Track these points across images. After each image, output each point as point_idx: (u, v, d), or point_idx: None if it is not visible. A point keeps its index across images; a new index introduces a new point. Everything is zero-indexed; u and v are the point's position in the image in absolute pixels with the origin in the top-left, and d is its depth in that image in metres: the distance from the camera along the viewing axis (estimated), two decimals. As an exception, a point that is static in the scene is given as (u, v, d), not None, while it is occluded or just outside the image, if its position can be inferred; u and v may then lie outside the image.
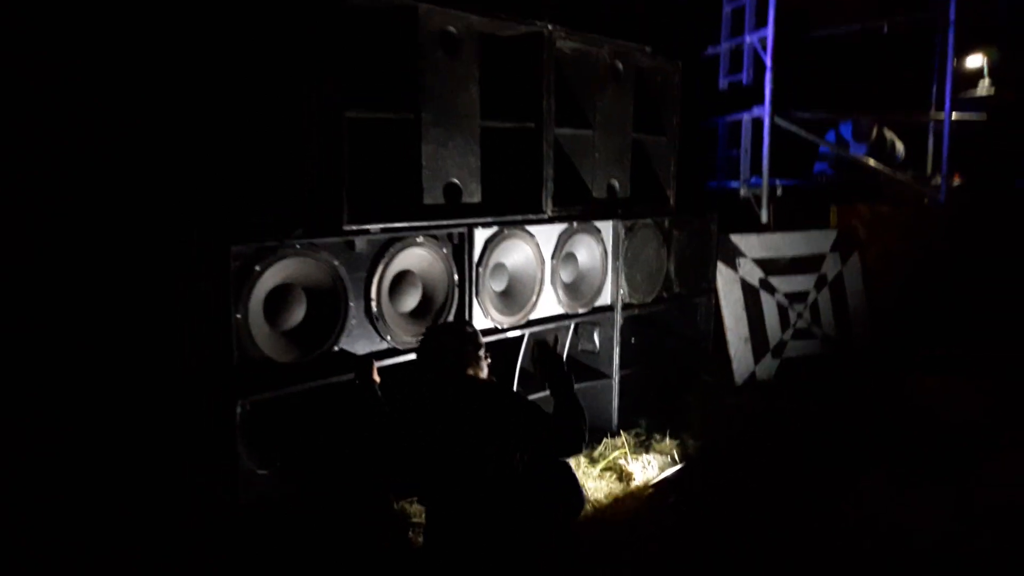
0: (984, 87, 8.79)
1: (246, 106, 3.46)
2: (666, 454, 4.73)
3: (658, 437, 4.97)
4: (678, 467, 4.52)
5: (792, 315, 6.52)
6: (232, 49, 3.46)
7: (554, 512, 2.78)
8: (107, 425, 3.43)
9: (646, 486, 4.29)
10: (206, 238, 3.03)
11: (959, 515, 3.87)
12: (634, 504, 4.10)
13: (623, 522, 3.91)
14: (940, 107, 7.54)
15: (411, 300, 3.92)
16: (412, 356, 3.74)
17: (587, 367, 5.17)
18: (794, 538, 3.69)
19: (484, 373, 3.03)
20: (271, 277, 3.17)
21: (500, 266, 4.38)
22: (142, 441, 3.38)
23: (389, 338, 3.69)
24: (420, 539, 3.40)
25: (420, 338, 3.24)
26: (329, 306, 3.43)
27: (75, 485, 3.34)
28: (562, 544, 2.87)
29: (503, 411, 2.79)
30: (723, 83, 7.67)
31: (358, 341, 3.58)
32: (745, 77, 7.28)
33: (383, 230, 3.57)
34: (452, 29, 3.79)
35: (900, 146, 8.20)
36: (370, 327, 3.62)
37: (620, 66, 4.95)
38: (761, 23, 6.79)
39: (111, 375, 3.44)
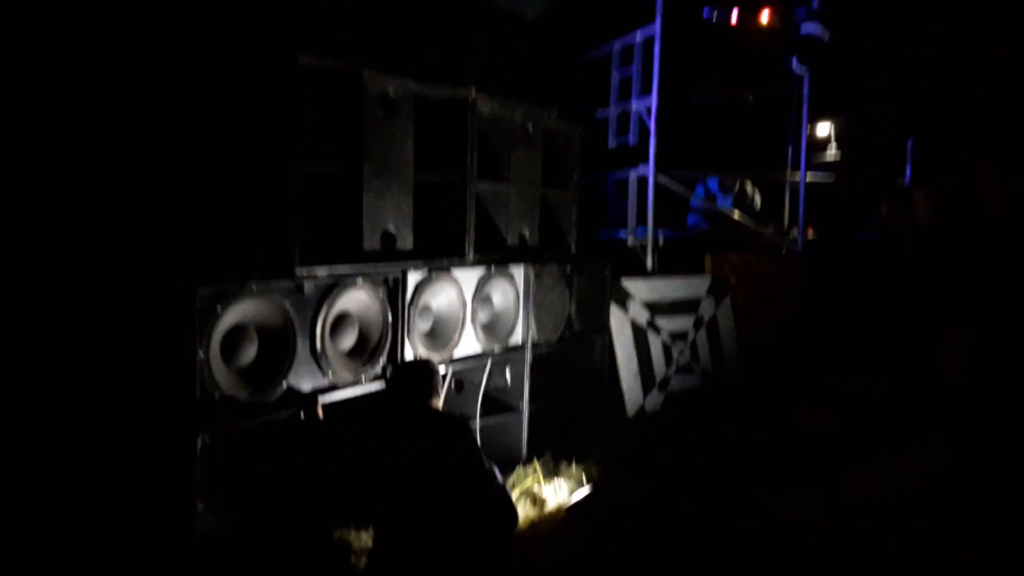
0: (832, 152, 9.85)
1: (209, 156, 3.60)
2: (574, 479, 5.06)
3: (565, 464, 5.30)
4: (586, 491, 4.86)
5: (675, 353, 7.06)
6: (196, 106, 3.59)
7: (495, 528, 3.04)
8: (73, 455, 3.42)
9: (559, 509, 4.60)
10: (173, 278, 3.14)
11: (828, 509, 4.43)
12: (549, 526, 4.40)
13: (542, 543, 4.20)
14: (796, 168, 8.41)
15: (349, 339, 4.10)
16: (350, 392, 3.95)
17: (499, 402, 5.44)
18: (698, 546, 4.09)
19: (440, 403, 3.29)
20: (230, 317, 3.30)
21: (427, 308, 4.63)
22: (104, 473, 3.39)
23: (331, 375, 3.86)
24: (362, 563, 3.58)
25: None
26: (279, 345, 3.58)
27: (39, 512, 3.31)
28: (500, 558, 3.13)
29: (460, 440, 3.05)
30: (612, 143, 8.26)
31: (303, 378, 3.73)
32: (632, 138, 7.88)
33: (328, 274, 3.76)
34: (391, 92, 4.07)
35: (758, 198, 9.07)
36: (314, 365, 3.78)
37: (530, 127, 5.34)
38: (646, 91, 7.42)
39: (77, 408, 3.43)
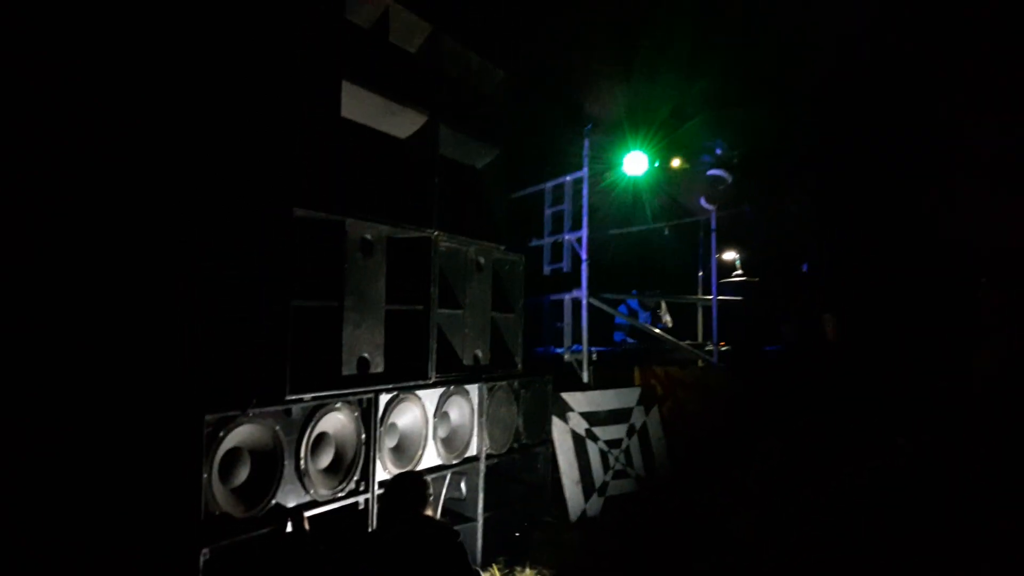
0: (737, 275, 10.69)
1: (215, 292, 3.87)
2: (529, 582, 5.24)
3: (519, 569, 5.48)
4: (541, 593, 5.05)
5: (611, 459, 7.39)
6: (208, 252, 3.90)
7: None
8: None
9: (519, 610, 4.77)
10: (182, 407, 3.35)
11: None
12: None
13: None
14: (708, 291, 9.13)
15: (327, 458, 4.30)
16: (330, 506, 4.14)
17: (455, 512, 5.63)
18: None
19: (431, 511, 3.53)
20: (229, 441, 3.51)
21: (394, 425, 4.87)
22: None
23: (312, 491, 4.05)
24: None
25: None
26: (269, 465, 3.77)
27: None
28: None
29: (448, 544, 3.31)
30: (546, 269, 8.84)
31: (288, 494, 3.91)
32: (565, 265, 8.47)
33: (313, 398, 4.01)
34: (368, 236, 4.47)
35: (667, 317, 9.77)
36: (298, 482, 3.97)
37: (482, 260, 5.81)
38: (576, 226, 8.07)
39: (90, 528, 3.51)
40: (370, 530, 4.18)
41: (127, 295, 3.80)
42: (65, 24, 3.90)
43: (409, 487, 3.57)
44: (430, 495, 3.65)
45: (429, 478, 3.85)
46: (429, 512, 3.59)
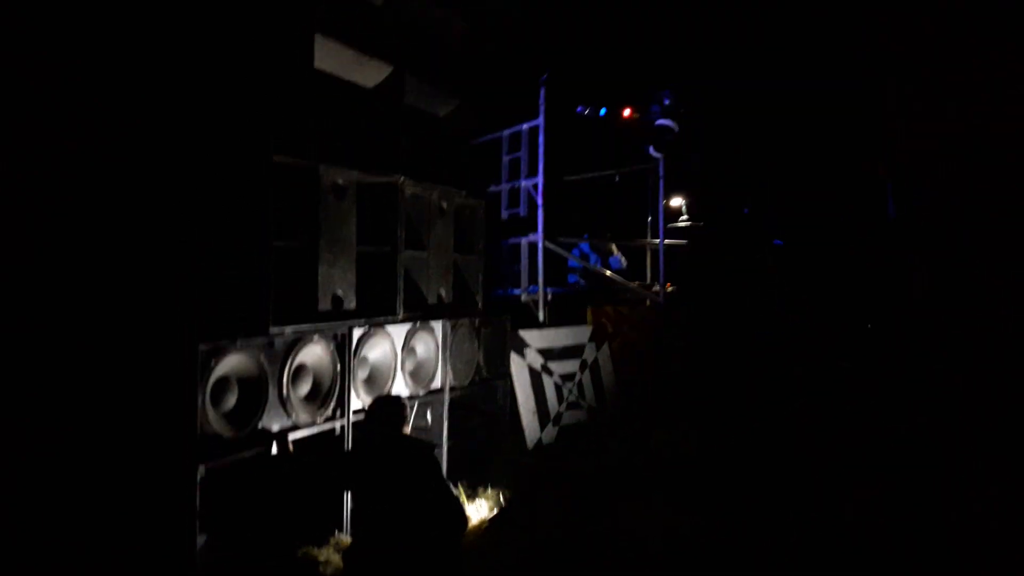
0: (684, 220, 11.14)
1: (202, 236, 4.10)
2: (491, 500, 5.69)
3: (481, 490, 5.92)
4: (502, 507, 5.51)
5: (565, 391, 7.86)
6: (195, 196, 4.11)
7: (453, 526, 3.66)
8: (86, 488, 3.75)
9: (483, 522, 5.22)
10: (180, 335, 3.62)
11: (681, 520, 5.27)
12: (477, 536, 5.01)
13: (475, 550, 4.80)
14: (655, 235, 9.55)
15: (306, 387, 4.61)
16: (309, 431, 4.48)
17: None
18: (582, 546, 4.84)
19: (408, 429, 3.90)
20: (220, 369, 3.80)
21: (365, 359, 5.19)
22: (115, 500, 3.74)
23: (294, 416, 4.37)
24: (330, 571, 4.09)
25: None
26: (254, 392, 4.08)
27: (47, 534, 3.62)
28: (455, 550, 3.73)
29: (425, 458, 3.69)
30: (504, 215, 9.14)
31: (272, 419, 4.23)
32: (522, 211, 8.78)
33: (293, 331, 4.31)
34: (340, 181, 4.72)
35: (623, 258, 10.22)
36: (281, 408, 4.29)
37: (444, 205, 6.08)
38: (533, 173, 8.36)
39: (90, 448, 3.78)
40: (353, 447, 4.55)
41: (126, 239, 4.01)
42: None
43: (389, 407, 3.91)
44: (407, 415, 4.00)
45: (405, 400, 4.19)
46: (406, 430, 3.95)
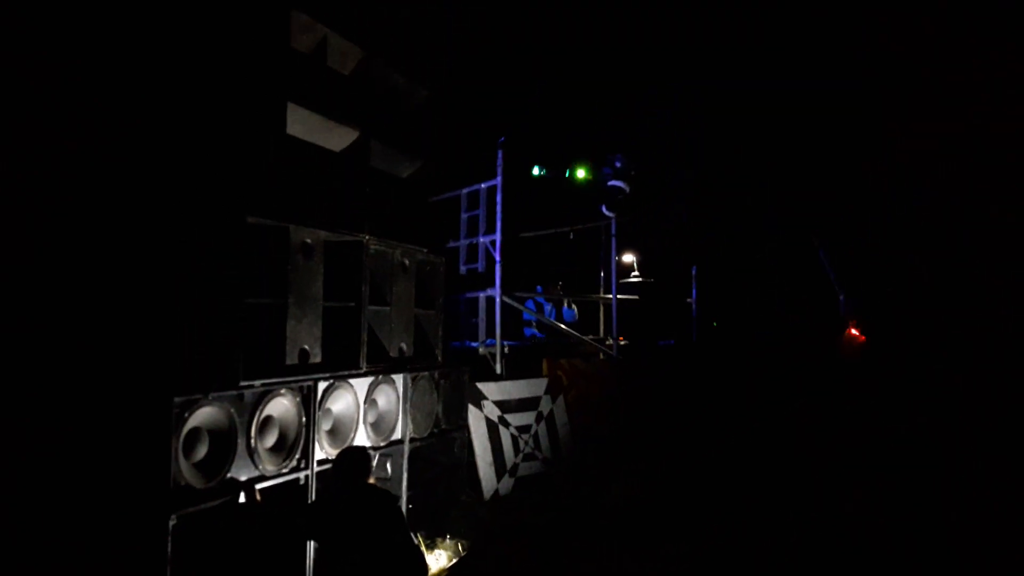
0: (635, 276, 11.62)
1: (178, 291, 4.31)
2: (449, 551, 5.87)
3: (439, 540, 6.09)
4: (460, 557, 5.68)
5: (521, 443, 8.10)
6: (172, 258, 4.33)
7: (414, 572, 3.86)
8: (61, 534, 3.85)
9: (441, 572, 5.40)
10: (154, 390, 3.80)
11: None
12: (436, 585, 5.19)
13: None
14: (608, 290, 9.97)
15: (272, 438, 4.79)
16: (275, 481, 4.64)
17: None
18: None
19: (373, 479, 4.11)
20: (192, 421, 3.98)
21: (329, 411, 5.38)
22: (89, 547, 3.84)
23: (261, 466, 4.54)
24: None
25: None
26: (224, 443, 4.25)
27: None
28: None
29: (389, 508, 3.91)
30: (462, 269, 9.47)
31: (241, 469, 4.39)
32: (480, 266, 9.13)
33: (262, 384, 4.51)
34: (308, 240, 4.98)
35: (575, 309, 10.64)
36: (248, 458, 4.45)
37: (407, 261, 6.37)
38: (490, 230, 8.74)
39: (65, 496, 3.89)
40: (317, 497, 4.72)
41: (105, 295, 4.20)
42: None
43: (355, 459, 4.12)
44: (372, 467, 4.22)
45: (370, 452, 4.40)
46: (371, 480, 4.16)
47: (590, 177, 9.19)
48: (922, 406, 8.48)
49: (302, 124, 5.18)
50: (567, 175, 9.00)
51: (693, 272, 10.92)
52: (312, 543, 4.71)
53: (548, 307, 10.30)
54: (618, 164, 9.25)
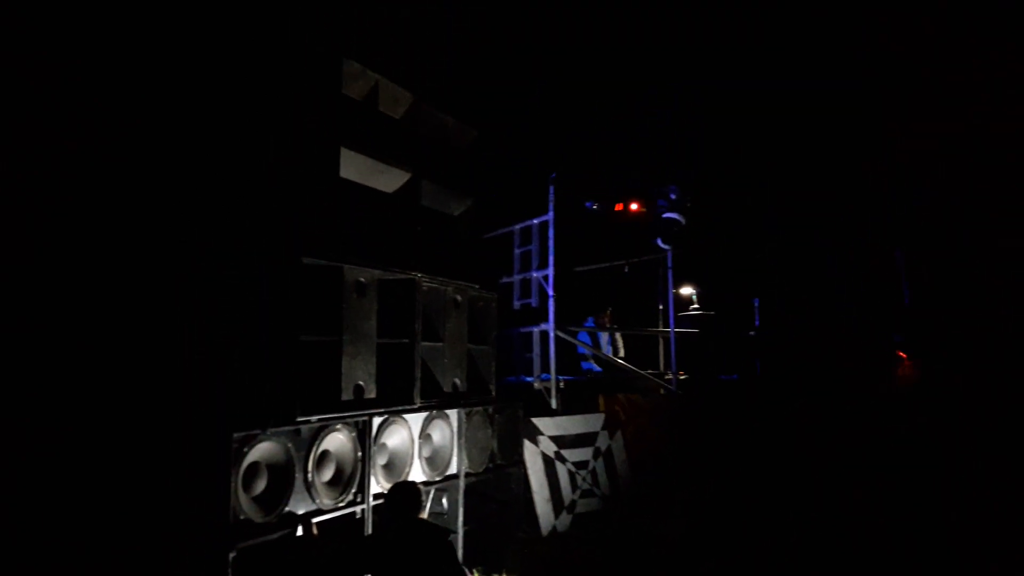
0: (695, 309, 11.53)
1: (237, 332, 4.55)
2: (505, 587, 5.89)
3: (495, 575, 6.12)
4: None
5: (579, 479, 8.08)
6: (232, 297, 4.59)
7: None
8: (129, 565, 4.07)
9: (498, 609, 5.42)
10: (215, 426, 4.00)
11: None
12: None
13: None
14: (666, 324, 9.93)
15: (329, 472, 4.94)
16: (332, 514, 4.78)
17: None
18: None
19: (425, 514, 4.21)
20: (251, 456, 4.16)
21: (384, 445, 5.52)
22: None
23: (318, 500, 4.68)
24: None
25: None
26: (282, 477, 4.42)
27: None
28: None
29: (439, 542, 3.99)
30: (516, 304, 9.60)
31: (298, 503, 4.55)
32: (533, 301, 9.23)
33: (318, 420, 4.68)
34: (362, 279, 5.18)
35: (621, 346, 10.63)
36: (306, 492, 4.61)
37: (459, 298, 6.51)
38: (543, 265, 8.85)
39: (130, 531, 4.12)
40: (373, 530, 4.83)
41: (169, 335, 4.47)
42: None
43: (406, 493, 4.24)
44: (424, 501, 4.32)
45: (422, 487, 4.50)
46: (423, 515, 4.26)
47: (644, 210, 9.25)
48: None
49: (355, 167, 5.42)
50: (620, 208, 9.07)
51: (755, 304, 10.77)
52: (366, 577, 4.81)
53: (604, 339, 10.30)
54: (673, 196, 9.28)
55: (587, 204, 9.05)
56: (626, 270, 10.14)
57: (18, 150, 4.29)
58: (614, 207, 9.05)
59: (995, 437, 7.31)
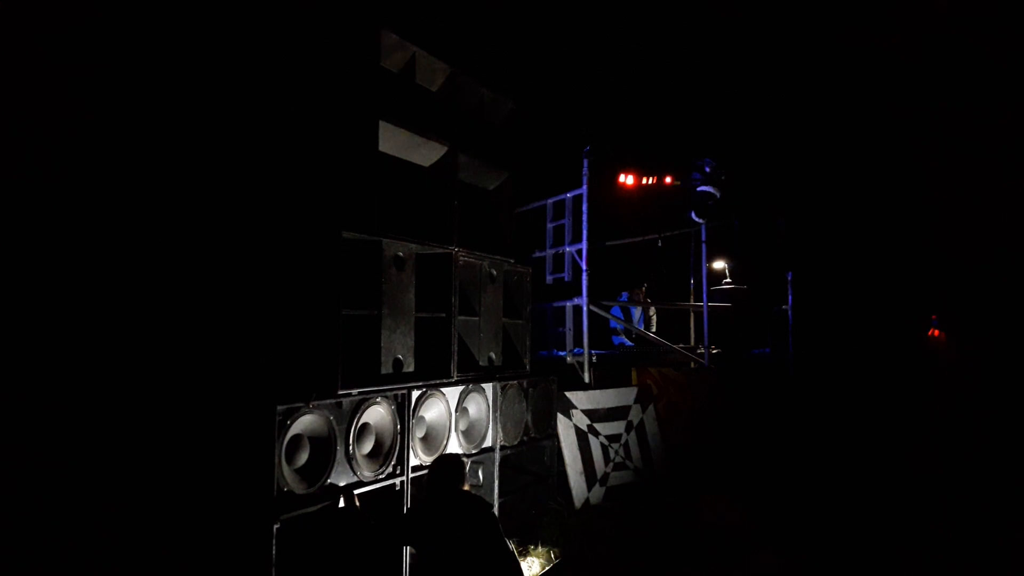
0: (727, 283, 11.39)
1: (279, 305, 4.56)
2: (541, 558, 5.91)
3: (531, 547, 6.15)
4: (553, 564, 5.72)
5: (611, 452, 8.07)
6: (273, 270, 4.59)
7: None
8: (173, 537, 4.14)
9: (535, 580, 5.45)
10: (259, 398, 4.02)
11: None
12: (529, 593, 5.23)
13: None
14: (698, 297, 9.81)
15: (368, 445, 4.97)
16: (372, 486, 4.81)
17: (474, 496, 6.28)
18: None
19: (468, 486, 4.22)
20: (294, 429, 4.18)
21: (422, 418, 5.54)
22: (199, 550, 4.11)
23: (358, 472, 4.71)
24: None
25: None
26: (324, 449, 4.44)
27: None
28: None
29: (484, 514, 4.00)
30: (549, 279, 9.53)
31: (339, 476, 4.58)
32: (566, 275, 9.17)
33: (359, 393, 4.69)
34: (401, 253, 5.16)
35: (654, 320, 10.55)
36: (347, 464, 4.64)
37: (494, 272, 6.48)
38: (576, 239, 8.77)
39: (176, 502, 4.18)
40: (417, 503, 4.85)
41: (212, 309, 4.49)
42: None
43: (451, 465, 4.25)
44: (466, 474, 4.33)
45: (465, 459, 4.51)
46: (466, 487, 4.27)
47: (678, 183, 9.11)
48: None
49: (393, 141, 5.36)
50: (654, 182, 8.93)
51: (789, 278, 10.60)
52: (408, 548, 4.84)
53: (637, 313, 10.23)
54: (707, 169, 9.12)
55: (620, 177, 8.91)
56: (659, 244, 10.02)
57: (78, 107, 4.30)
58: (649, 180, 8.90)
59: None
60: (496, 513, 5.99)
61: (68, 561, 4.09)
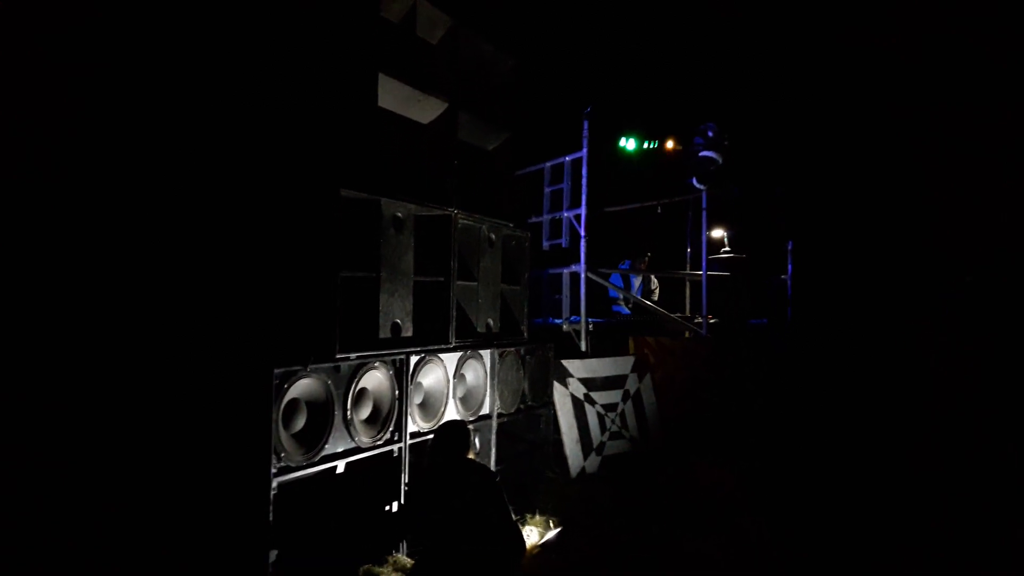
0: (726, 252, 11.32)
1: (274, 266, 4.44)
2: (539, 527, 5.89)
3: (528, 515, 6.12)
4: (552, 533, 5.70)
5: (608, 421, 8.04)
6: (266, 229, 4.46)
7: (513, 549, 3.88)
8: (169, 501, 4.07)
9: (534, 547, 5.42)
10: (256, 361, 3.92)
11: (720, 545, 5.44)
12: (529, 560, 5.21)
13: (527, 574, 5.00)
14: (696, 266, 9.74)
15: (366, 410, 4.90)
16: (370, 452, 4.74)
17: (470, 464, 6.24)
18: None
19: (472, 454, 4.16)
20: (291, 392, 4.09)
21: (420, 384, 5.47)
22: (196, 514, 4.04)
23: (356, 438, 4.64)
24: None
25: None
26: (322, 414, 4.36)
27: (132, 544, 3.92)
28: (515, 573, 3.95)
29: (489, 483, 3.94)
30: (545, 245, 9.42)
31: (337, 441, 4.50)
32: (564, 241, 9.05)
33: (357, 357, 4.60)
34: (399, 214, 5.03)
35: (656, 289, 10.50)
36: (344, 430, 4.56)
37: (493, 236, 6.37)
38: (575, 204, 8.65)
39: (172, 465, 4.10)
40: (421, 470, 4.79)
41: (208, 271, 4.37)
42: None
43: (455, 433, 4.18)
44: (472, 441, 4.26)
45: (470, 427, 4.44)
46: (470, 454, 4.21)
47: (679, 148, 8.97)
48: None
49: (392, 95, 5.21)
50: (656, 146, 8.80)
51: (789, 247, 10.53)
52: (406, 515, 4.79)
53: (636, 282, 10.17)
54: (710, 134, 8.99)
55: (621, 140, 8.77)
56: (659, 211, 9.92)
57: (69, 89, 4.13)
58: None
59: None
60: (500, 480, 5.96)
61: (64, 521, 4.01)
